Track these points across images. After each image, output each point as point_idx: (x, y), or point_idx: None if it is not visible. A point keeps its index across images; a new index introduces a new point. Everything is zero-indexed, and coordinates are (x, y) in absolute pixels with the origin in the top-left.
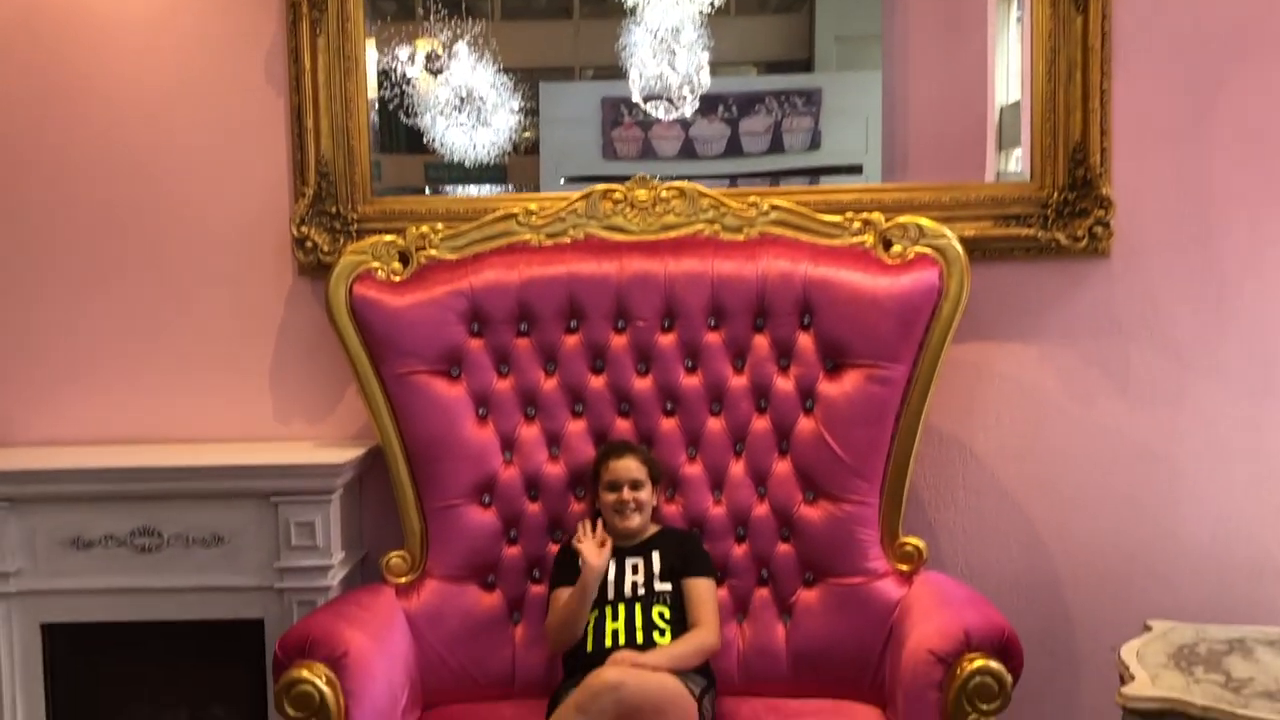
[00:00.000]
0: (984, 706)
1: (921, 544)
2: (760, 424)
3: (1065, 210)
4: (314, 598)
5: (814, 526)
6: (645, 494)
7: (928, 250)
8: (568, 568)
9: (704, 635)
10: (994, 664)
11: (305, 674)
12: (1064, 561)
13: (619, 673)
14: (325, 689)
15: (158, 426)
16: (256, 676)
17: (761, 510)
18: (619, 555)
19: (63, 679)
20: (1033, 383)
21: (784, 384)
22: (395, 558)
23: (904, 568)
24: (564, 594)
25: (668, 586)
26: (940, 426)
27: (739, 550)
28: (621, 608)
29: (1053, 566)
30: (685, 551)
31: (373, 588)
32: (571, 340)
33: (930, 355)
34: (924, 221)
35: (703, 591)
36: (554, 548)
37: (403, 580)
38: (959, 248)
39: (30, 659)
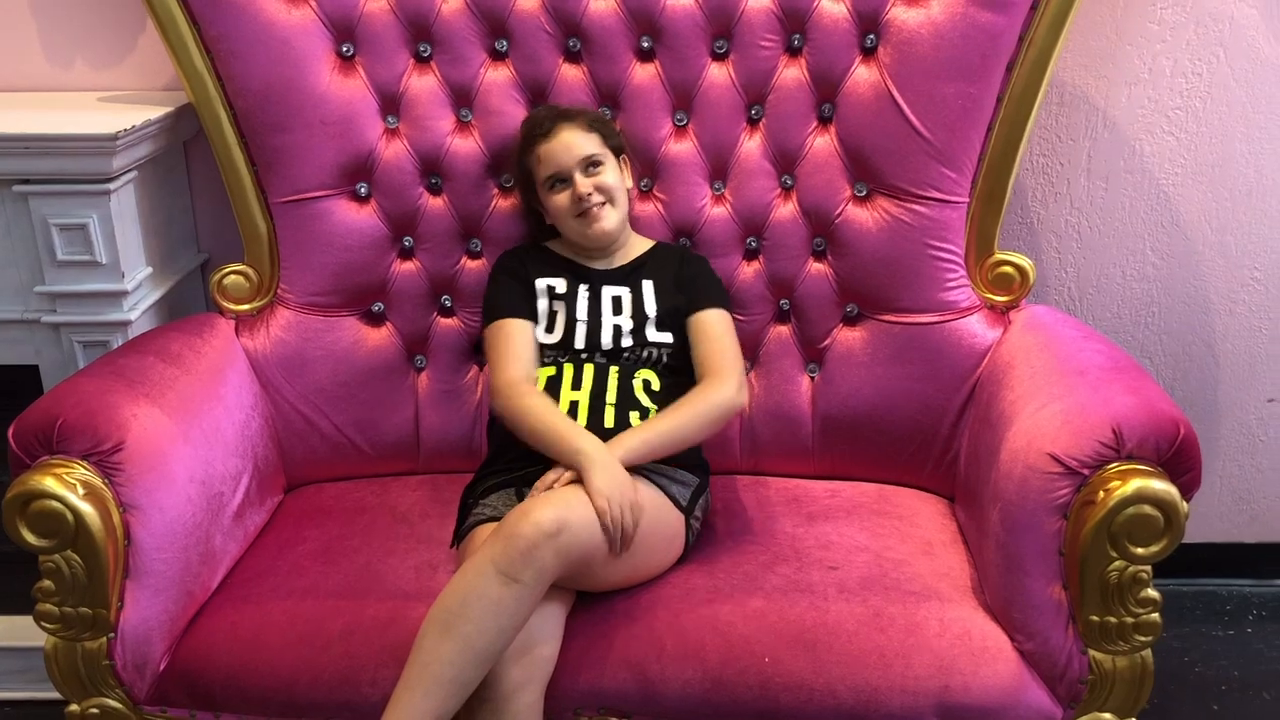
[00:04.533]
0: (1140, 550)
1: (1027, 264)
2: (791, 73)
3: None
4: (106, 337)
5: (866, 236)
6: (609, 175)
7: None
8: (513, 288)
9: (717, 390)
10: (1160, 486)
11: (48, 482)
12: (1220, 280)
13: (556, 510)
14: (82, 505)
15: None
16: None
17: (786, 210)
18: (592, 282)
19: None
20: (1215, 8)
21: (832, 6)
22: (231, 274)
23: (999, 299)
24: (514, 330)
25: (666, 338)
26: (1063, 80)
27: (748, 270)
28: (589, 369)
29: (1202, 287)
30: (691, 277)
31: (196, 321)
32: None
33: None
34: None
35: (717, 327)
36: (470, 262)
37: (245, 308)
38: None
39: None
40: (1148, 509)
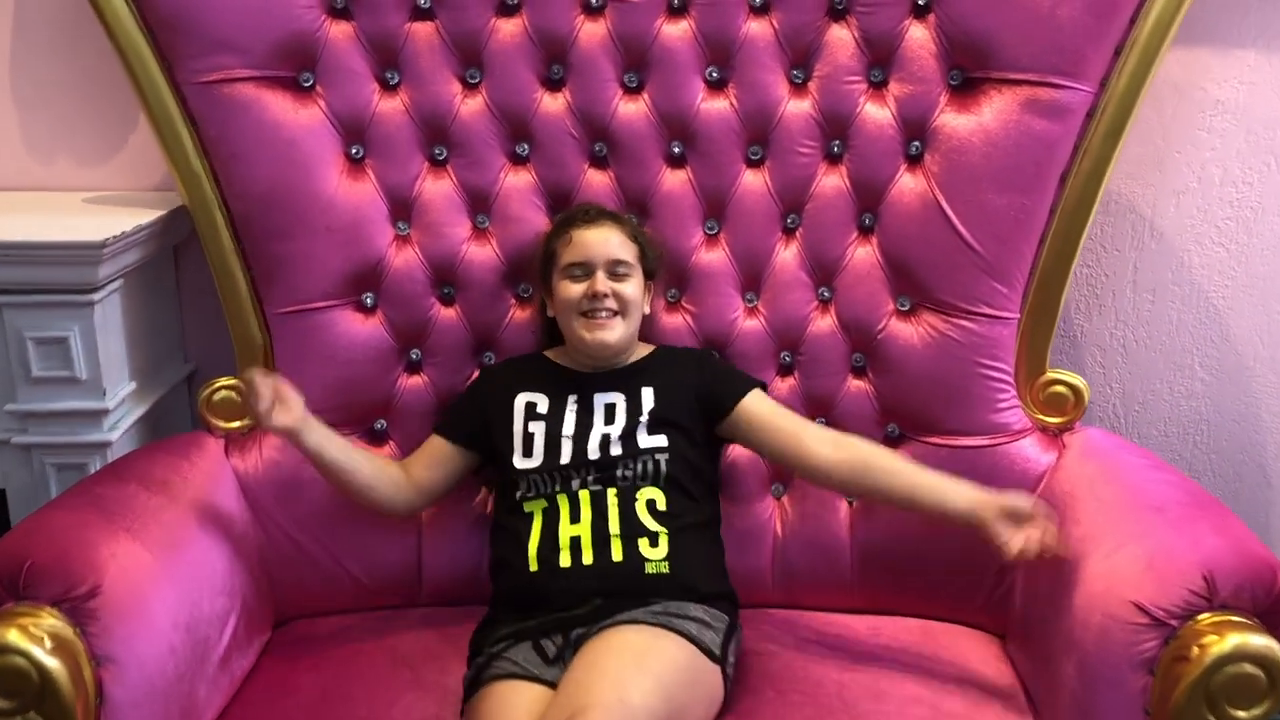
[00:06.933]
0: (1240, 714)
1: (1081, 383)
2: (831, 180)
3: None
4: (83, 460)
5: (911, 353)
6: (632, 287)
7: None
8: (471, 408)
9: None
10: (1260, 641)
11: (12, 636)
12: (1273, 398)
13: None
14: (49, 661)
15: None
16: None
17: (824, 324)
18: (582, 388)
19: None
20: (1266, 115)
21: (876, 111)
22: (221, 390)
23: (1052, 420)
24: (435, 445)
25: (659, 442)
26: (1108, 188)
27: (783, 386)
28: (585, 498)
29: (1254, 405)
30: (703, 377)
31: (183, 441)
32: (509, 26)
33: (1135, 66)
34: None
35: (766, 405)
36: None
37: (236, 426)
38: None
39: None
40: (1248, 667)
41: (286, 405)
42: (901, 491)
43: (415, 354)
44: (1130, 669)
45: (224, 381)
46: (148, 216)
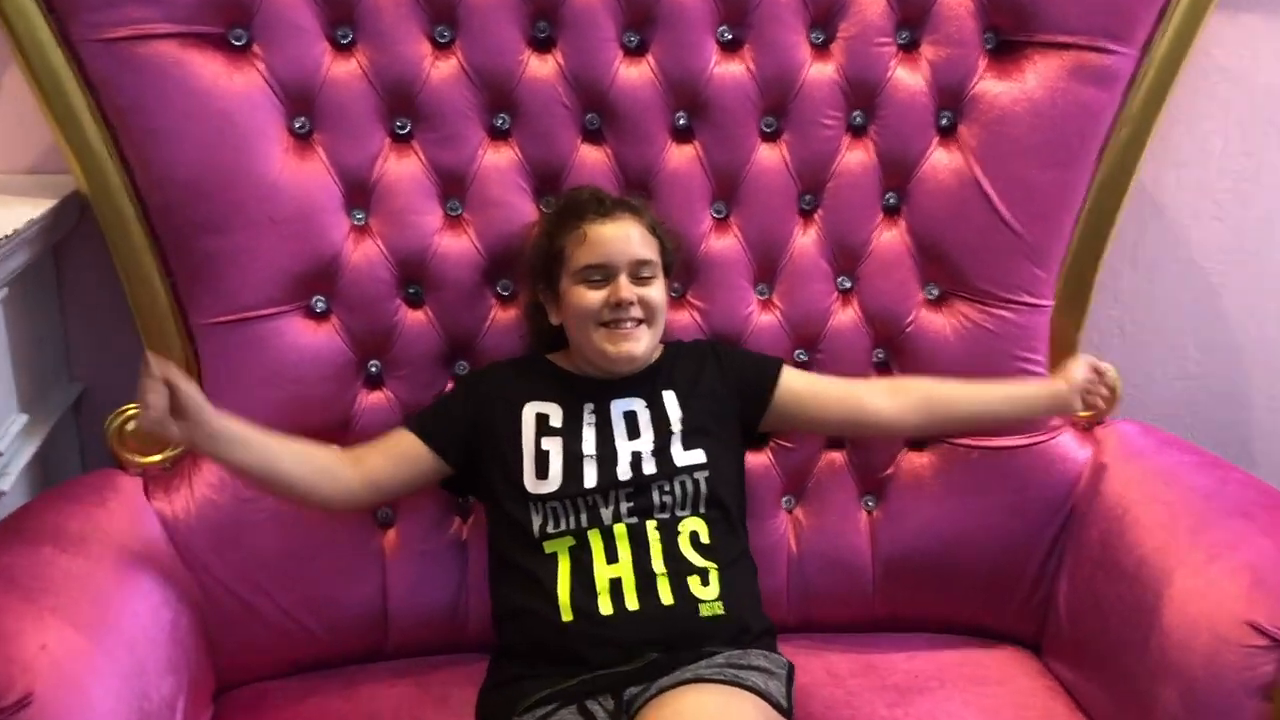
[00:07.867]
0: None
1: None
2: (855, 155)
3: None
4: None
5: (941, 346)
6: (657, 290)
7: None
8: (453, 414)
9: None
10: None
11: None
12: (1261, 376)
13: None
14: None
15: None
16: None
17: (846, 317)
18: (596, 397)
19: None
20: (1271, 82)
21: (907, 77)
22: (135, 416)
23: (1084, 413)
24: (403, 440)
25: (697, 458)
26: None
27: None
28: (621, 533)
29: (1243, 383)
30: (727, 373)
31: (93, 484)
32: None
33: (1179, 28)
34: None
35: (802, 377)
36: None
37: (156, 459)
38: None
39: None
40: None
41: (186, 414)
42: (980, 412)
43: (375, 366)
44: (1246, 695)
45: (137, 406)
46: (37, 208)
